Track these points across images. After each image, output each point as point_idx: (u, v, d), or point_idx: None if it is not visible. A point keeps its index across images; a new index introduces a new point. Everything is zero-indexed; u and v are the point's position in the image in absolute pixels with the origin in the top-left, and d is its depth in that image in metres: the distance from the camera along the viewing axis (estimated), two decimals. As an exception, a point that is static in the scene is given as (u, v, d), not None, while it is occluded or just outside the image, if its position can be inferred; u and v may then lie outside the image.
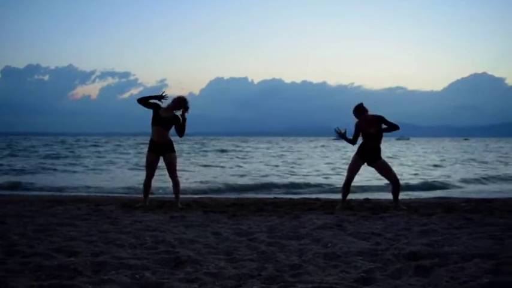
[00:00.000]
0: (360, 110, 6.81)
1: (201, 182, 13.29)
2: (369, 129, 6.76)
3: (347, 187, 6.96)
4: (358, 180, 8.83)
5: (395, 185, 6.87)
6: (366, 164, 6.94)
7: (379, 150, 6.88)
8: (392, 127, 6.76)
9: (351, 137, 6.99)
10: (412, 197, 9.81)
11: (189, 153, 33.55)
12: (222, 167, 20.84)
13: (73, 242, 4.01)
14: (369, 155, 6.84)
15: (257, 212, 6.26)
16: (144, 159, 6.95)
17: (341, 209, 6.66)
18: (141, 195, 6.94)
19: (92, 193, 10.63)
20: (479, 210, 6.34)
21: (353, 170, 6.96)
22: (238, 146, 50.66)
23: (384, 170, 6.92)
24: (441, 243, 4.02)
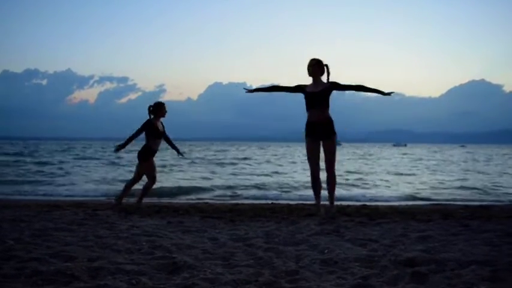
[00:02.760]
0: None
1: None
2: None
3: (313, 183, 6.23)
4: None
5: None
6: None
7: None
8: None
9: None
10: (405, 204, 9.82)
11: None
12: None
13: (69, 247, 4.00)
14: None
15: (254, 217, 6.25)
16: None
17: (323, 213, 6.06)
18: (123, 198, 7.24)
19: (90, 197, 10.61)
20: (477, 217, 6.34)
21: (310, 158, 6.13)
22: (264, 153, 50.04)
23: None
24: (438, 249, 4.02)
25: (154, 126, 6.90)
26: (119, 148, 6.88)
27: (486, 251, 3.96)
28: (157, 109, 6.95)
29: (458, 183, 15.66)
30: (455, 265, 3.43)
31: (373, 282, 3.08)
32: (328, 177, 6.18)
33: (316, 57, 6.04)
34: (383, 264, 3.51)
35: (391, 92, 5.92)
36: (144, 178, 7.08)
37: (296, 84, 6.16)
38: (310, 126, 6.04)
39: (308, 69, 6.04)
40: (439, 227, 5.42)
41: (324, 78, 6.05)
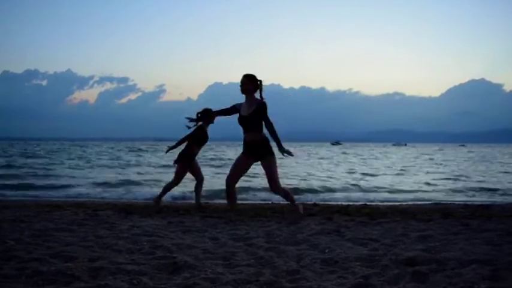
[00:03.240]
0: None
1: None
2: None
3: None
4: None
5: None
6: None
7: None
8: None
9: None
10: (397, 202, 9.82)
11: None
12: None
13: (70, 247, 4.00)
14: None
15: (255, 217, 6.24)
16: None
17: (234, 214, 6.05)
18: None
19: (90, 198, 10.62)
20: (477, 216, 6.34)
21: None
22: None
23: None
24: (438, 249, 4.02)
25: (205, 132, 7.18)
26: (169, 149, 7.39)
27: (487, 250, 3.96)
28: (207, 116, 7.04)
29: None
30: (455, 264, 3.43)
31: (374, 282, 3.08)
32: (277, 194, 6.15)
33: (250, 72, 5.92)
34: (384, 264, 3.51)
35: (286, 153, 5.86)
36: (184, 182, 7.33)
37: (232, 105, 6.04)
38: (245, 145, 5.97)
39: (240, 87, 5.91)
40: (440, 226, 5.42)
41: (257, 95, 5.92)
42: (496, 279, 3.06)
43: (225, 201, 6.83)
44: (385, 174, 20.18)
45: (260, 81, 5.91)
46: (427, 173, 21.47)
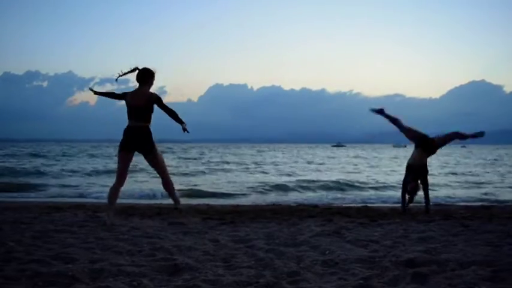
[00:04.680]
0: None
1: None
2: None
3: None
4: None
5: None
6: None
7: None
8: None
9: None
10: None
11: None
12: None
13: (70, 248, 4.00)
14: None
15: (255, 218, 6.25)
16: None
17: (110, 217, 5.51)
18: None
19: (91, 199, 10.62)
20: (477, 217, 6.35)
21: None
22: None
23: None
24: (439, 250, 4.02)
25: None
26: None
27: (487, 251, 3.96)
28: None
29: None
30: (455, 265, 3.43)
31: (374, 283, 3.08)
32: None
33: (148, 67, 5.66)
34: (384, 265, 3.51)
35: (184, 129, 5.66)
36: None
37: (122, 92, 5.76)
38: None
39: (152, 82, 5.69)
40: (440, 227, 5.42)
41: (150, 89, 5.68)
42: (496, 280, 3.07)
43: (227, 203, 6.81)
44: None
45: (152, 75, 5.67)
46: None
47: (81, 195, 11.66)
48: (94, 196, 11.27)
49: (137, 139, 5.50)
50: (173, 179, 6.04)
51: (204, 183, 15.94)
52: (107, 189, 5.73)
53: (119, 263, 3.49)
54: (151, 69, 5.69)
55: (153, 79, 5.70)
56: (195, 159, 36.28)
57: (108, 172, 19.15)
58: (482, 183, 16.83)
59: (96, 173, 19.82)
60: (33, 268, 3.28)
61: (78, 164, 26.81)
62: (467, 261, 3.53)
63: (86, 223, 5.54)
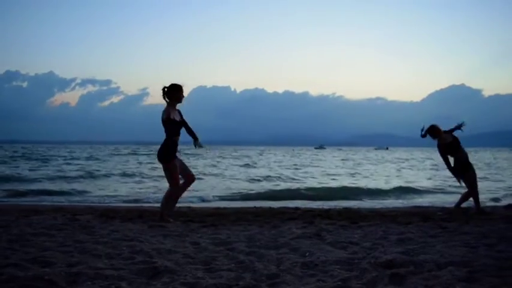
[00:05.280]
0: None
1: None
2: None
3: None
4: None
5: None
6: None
7: None
8: None
9: None
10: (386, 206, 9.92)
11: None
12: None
13: (48, 252, 3.94)
14: None
15: (237, 221, 6.25)
16: None
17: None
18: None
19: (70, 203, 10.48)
20: (455, 219, 6.45)
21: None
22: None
23: None
24: (417, 251, 4.08)
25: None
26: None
27: (463, 252, 4.03)
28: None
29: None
30: (432, 266, 3.48)
31: (353, 285, 3.11)
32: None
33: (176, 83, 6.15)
34: (363, 267, 3.54)
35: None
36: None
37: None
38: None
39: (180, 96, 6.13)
40: (419, 229, 5.49)
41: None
42: (471, 280, 3.12)
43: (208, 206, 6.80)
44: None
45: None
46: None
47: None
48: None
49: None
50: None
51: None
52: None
53: (97, 267, 3.46)
54: (177, 84, 6.14)
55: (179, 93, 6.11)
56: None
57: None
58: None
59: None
60: (9, 272, 3.23)
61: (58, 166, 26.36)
62: (444, 262, 3.59)
63: (64, 226, 5.48)
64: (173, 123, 5.97)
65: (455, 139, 7.36)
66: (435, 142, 7.40)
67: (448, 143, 7.31)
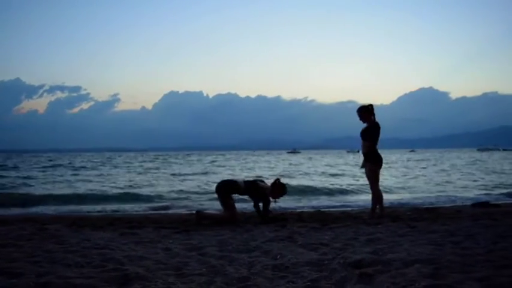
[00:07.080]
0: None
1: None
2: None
3: None
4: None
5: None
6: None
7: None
8: None
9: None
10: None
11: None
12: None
13: (16, 263, 3.86)
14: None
15: (209, 226, 6.25)
16: None
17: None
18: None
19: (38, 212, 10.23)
20: (424, 218, 6.62)
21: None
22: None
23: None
24: (385, 250, 4.18)
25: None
26: None
27: (430, 250, 4.16)
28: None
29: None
30: (400, 264, 3.58)
31: (322, 285, 3.17)
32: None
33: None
34: (332, 267, 3.61)
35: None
36: None
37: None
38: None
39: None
40: (388, 229, 5.62)
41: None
42: (436, 277, 3.22)
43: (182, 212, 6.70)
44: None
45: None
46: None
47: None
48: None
49: None
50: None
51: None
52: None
53: (67, 276, 3.41)
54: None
55: None
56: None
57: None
58: (438, 185, 17.54)
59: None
60: (-25, 284, 3.16)
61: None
62: (411, 259, 3.69)
63: (33, 236, 5.36)
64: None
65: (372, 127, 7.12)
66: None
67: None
